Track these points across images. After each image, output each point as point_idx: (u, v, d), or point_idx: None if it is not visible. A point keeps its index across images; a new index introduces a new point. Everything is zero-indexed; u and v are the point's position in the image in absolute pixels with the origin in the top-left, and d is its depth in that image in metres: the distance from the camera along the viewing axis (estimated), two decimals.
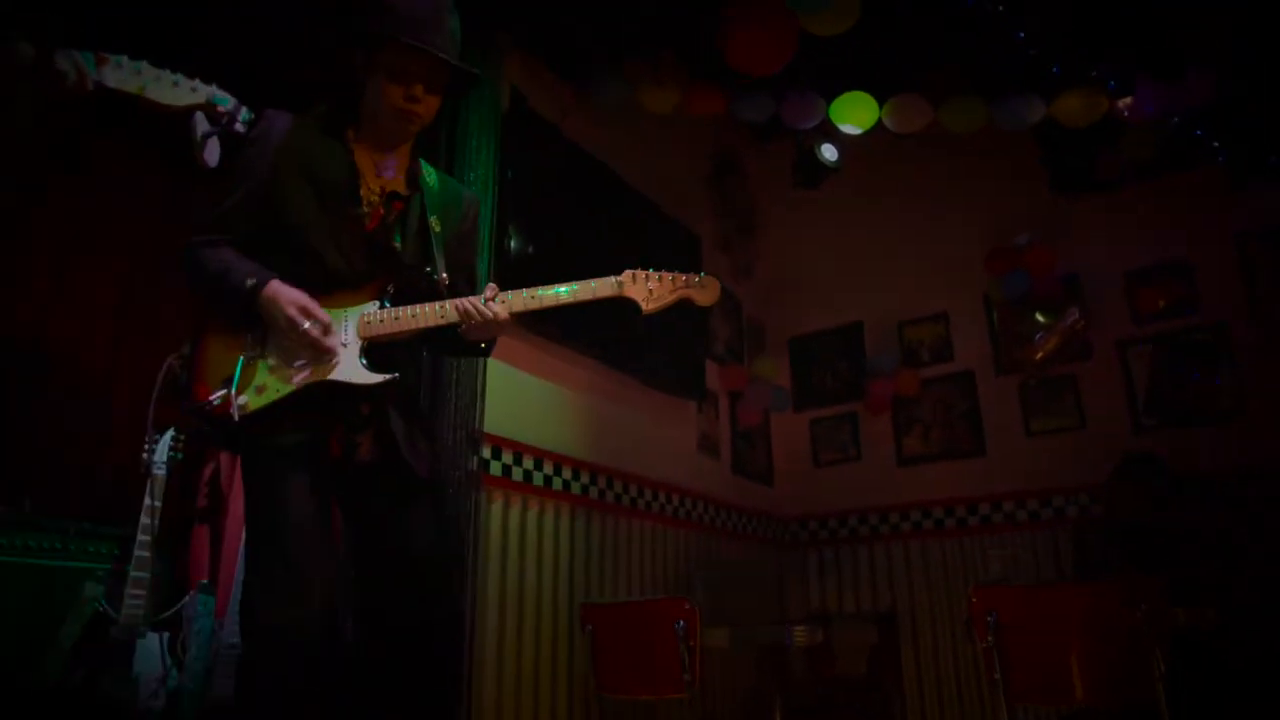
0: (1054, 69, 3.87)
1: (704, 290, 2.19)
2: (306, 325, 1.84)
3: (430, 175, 2.16)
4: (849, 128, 4.09)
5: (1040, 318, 4.83)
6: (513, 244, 3.57)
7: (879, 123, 4.10)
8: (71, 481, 3.57)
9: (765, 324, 5.76)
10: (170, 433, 3.15)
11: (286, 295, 1.86)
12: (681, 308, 2.17)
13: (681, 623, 3.05)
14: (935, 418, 5.21)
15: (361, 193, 2.02)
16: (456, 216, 2.18)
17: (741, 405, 5.18)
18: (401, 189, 2.08)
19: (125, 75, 1.34)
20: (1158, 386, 4.53)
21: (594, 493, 3.88)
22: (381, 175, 2.08)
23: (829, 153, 4.49)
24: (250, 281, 1.85)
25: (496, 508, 3.33)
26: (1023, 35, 3.81)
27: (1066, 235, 4.83)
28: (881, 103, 4.05)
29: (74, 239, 3.72)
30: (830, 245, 5.67)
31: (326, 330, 1.88)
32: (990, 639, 2.57)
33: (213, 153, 1.47)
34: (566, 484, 3.72)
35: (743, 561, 4.97)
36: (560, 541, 3.65)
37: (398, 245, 2.04)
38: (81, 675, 2.94)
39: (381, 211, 2.05)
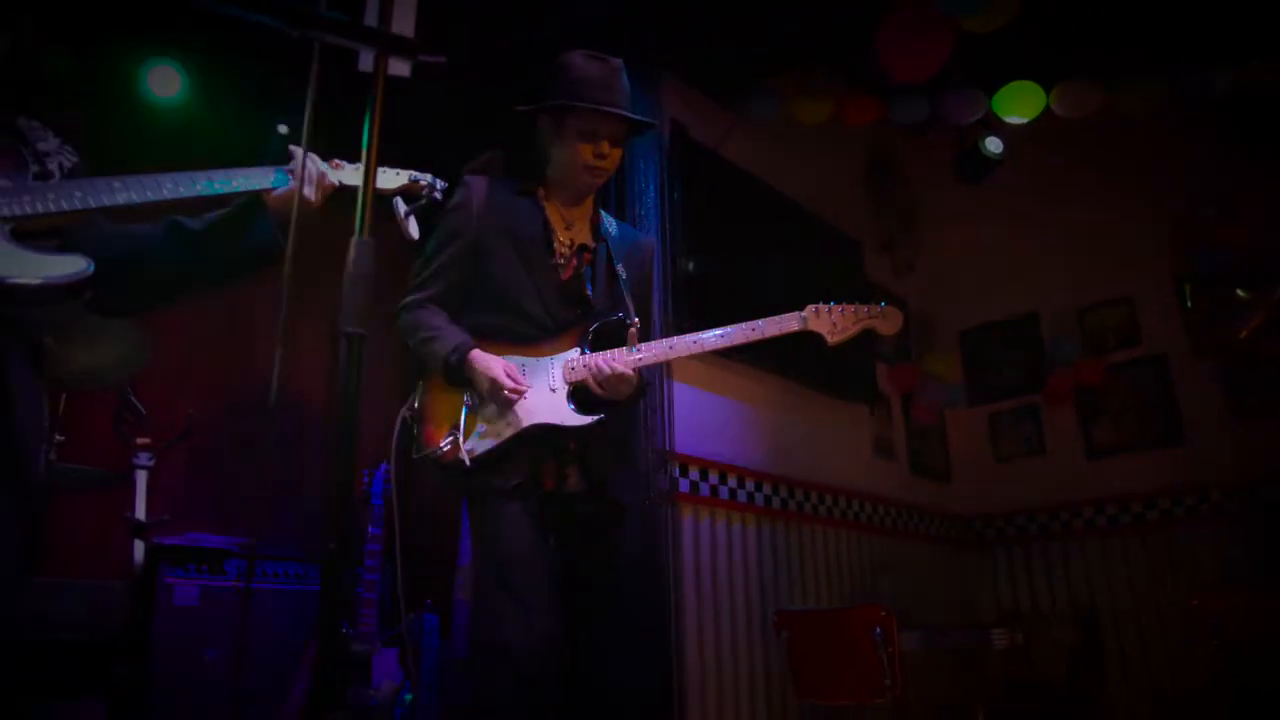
0: (1244, 32, 3.62)
1: (886, 320, 2.27)
2: (505, 393, 2.02)
3: (610, 224, 2.35)
4: (1014, 118, 3.99)
5: (1241, 293, 4.52)
6: (684, 269, 3.72)
7: (1045, 110, 3.98)
8: (302, 514, 4.00)
9: (933, 320, 5.66)
10: (385, 466, 3.50)
11: (483, 366, 2.04)
12: (864, 336, 2.25)
13: (879, 629, 3.10)
14: (1125, 406, 4.97)
15: (555, 246, 2.23)
16: (637, 261, 2.35)
17: (915, 404, 5.13)
18: (589, 240, 2.29)
19: (348, 174, 1.60)
20: None
21: (777, 502, 3.98)
22: (570, 228, 2.28)
23: (993, 145, 4.39)
24: (454, 358, 2.06)
25: (689, 522, 3.49)
26: None
27: (1261, 205, 4.50)
28: (1047, 89, 3.94)
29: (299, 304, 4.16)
30: (997, 235, 5.50)
31: (522, 393, 2.05)
32: (1216, 642, 2.49)
33: (414, 228, 1.70)
34: (751, 495, 3.84)
35: (926, 562, 4.93)
36: (749, 550, 3.78)
37: (590, 293, 2.23)
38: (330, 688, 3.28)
39: (574, 262, 2.25)
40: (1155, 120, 4.21)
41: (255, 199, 1.49)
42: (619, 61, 2.23)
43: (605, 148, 2.18)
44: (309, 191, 1.48)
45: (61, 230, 1.33)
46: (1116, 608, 4.67)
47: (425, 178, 1.67)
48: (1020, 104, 3.95)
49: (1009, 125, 4.18)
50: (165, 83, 3.40)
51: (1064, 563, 4.96)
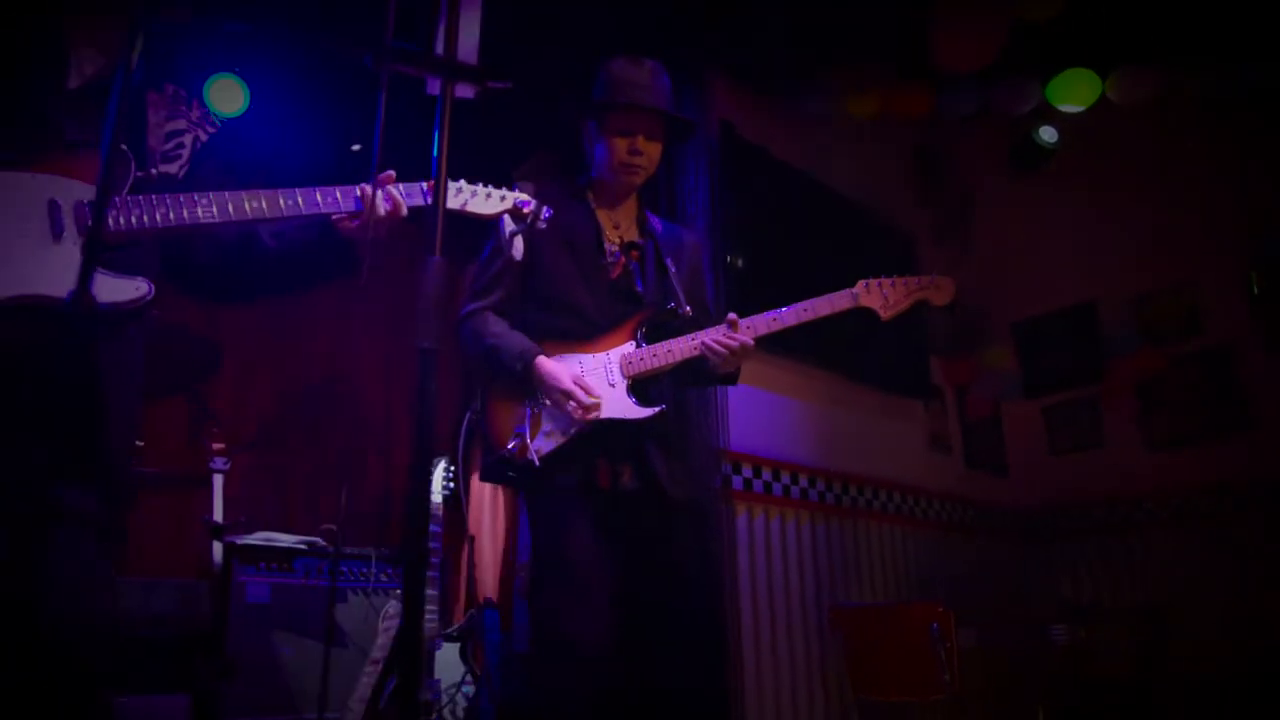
0: None
1: (939, 290, 2.27)
2: (570, 406, 2.06)
3: (656, 222, 2.42)
4: (1069, 107, 3.93)
5: None
6: (735, 265, 3.74)
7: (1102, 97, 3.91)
8: (365, 513, 4.12)
9: (987, 312, 5.58)
10: (442, 464, 3.59)
11: (550, 376, 2.09)
12: (916, 309, 2.25)
13: (936, 625, 3.09)
14: (1187, 396, 4.85)
15: (605, 245, 2.28)
16: (685, 255, 2.40)
17: (970, 397, 5.08)
18: (636, 238, 2.35)
19: (450, 196, 1.65)
20: None
21: (830, 498, 3.98)
22: (618, 228, 2.34)
23: (1048, 135, 4.32)
24: (519, 365, 2.11)
25: (743, 519, 3.52)
26: None
27: None
28: (1103, 76, 3.86)
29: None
30: (1052, 223, 5.40)
31: (592, 405, 2.08)
32: None
33: (518, 248, 1.73)
34: (804, 492, 3.85)
35: (983, 556, 4.88)
36: (804, 546, 3.78)
37: (640, 289, 2.27)
38: (394, 683, 3.37)
39: (623, 260, 2.30)
40: (1217, 104, 4.10)
41: (329, 227, 1.54)
42: (656, 63, 2.30)
43: (640, 143, 2.24)
44: (379, 228, 1.52)
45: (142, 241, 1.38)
46: (1181, 603, 4.57)
47: (531, 202, 1.71)
48: (1075, 92, 3.88)
49: (1064, 113, 4.11)
50: (229, 97, 3.50)
51: (1125, 557, 4.87)
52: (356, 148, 3.20)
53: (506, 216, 1.72)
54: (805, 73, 4.09)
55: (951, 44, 3.41)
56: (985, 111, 4.11)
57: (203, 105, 1.57)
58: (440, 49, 1.15)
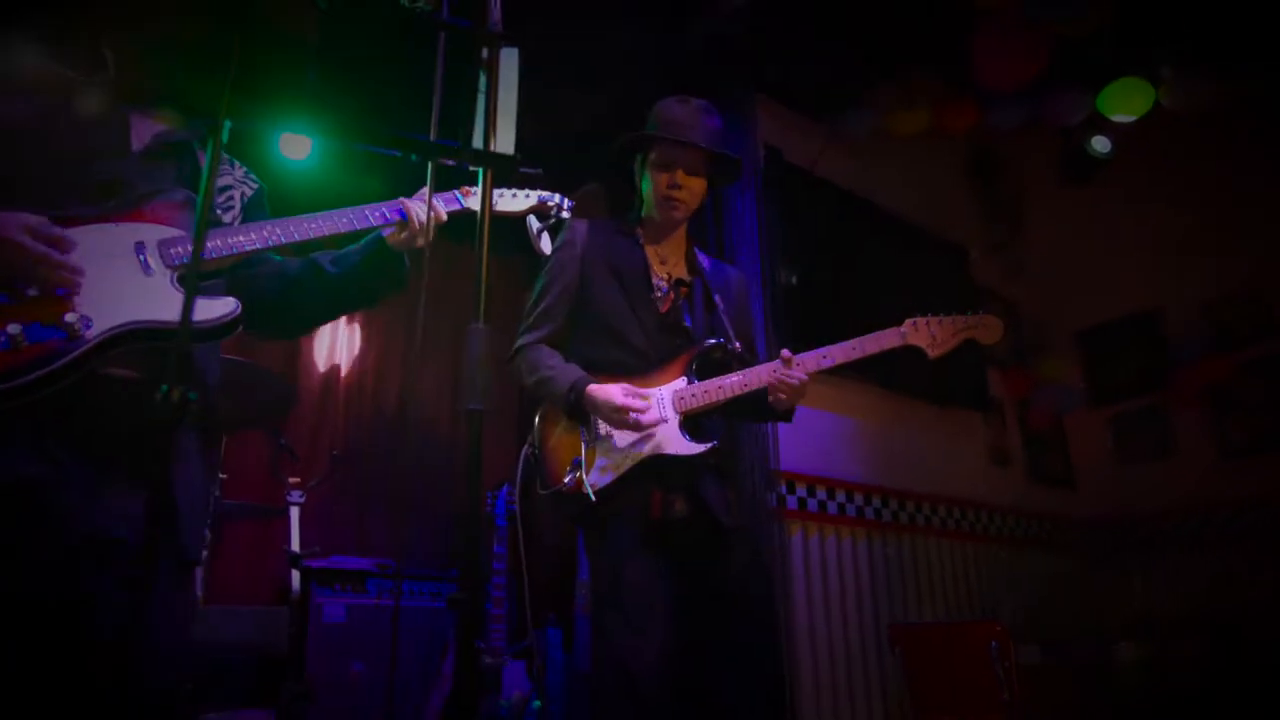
0: None
1: (987, 329, 2.29)
2: (630, 415, 2.13)
3: (704, 259, 2.48)
4: (1121, 117, 3.88)
5: None
6: (787, 287, 3.79)
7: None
8: (433, 534, 4.28)
9: (1046, 322, 5.51)
10: (506, 488, 3.71)
11: (603, 395, 2.15)
12: (966, 346, 2.27)
13: (995, 644, 3.08)
14: (1262, 402, 4.70)
15: (653, 280, 2.36)
16: (732, 291, 2.46)
17: (1031, 409, 5.01)
18: (684, 274, 2.42)
19: (477, 200, 1.76)
20: None
21: (887, 515, 3.99)
22: (665, 264, 2.41)
23: (1100, 145, 4.26)
24: (571, 395, 2.18)
25: (797, 539, 3.56)
26: None
27: None
28: (1155, 84, 3.81)
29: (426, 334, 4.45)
30: (1112, 230, 5.30)
31: (646, 409, 2.15)
32: None
33: (546, 244, 1.84)
34: (860, 509, 3.87)
35: (1049, 572, 4.80)
36: (860, 564, 3.80)
37: (689, 324, 2.35)
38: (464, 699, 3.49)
39: (672, 296, 2.37)
40: (1277, 105, 3.99)
41: (381, 244, 1.71)
42: (705, 103, 2.37)
43: (680, 176, 2.30)
44: (424, 240, 1.69)
45: (221, 273, 1.56)
46: (1256, 618, 4.43)
47: (554, 198, 1.82)
48: (1127, 101, 3.84)
49: (1117, 121, 4.06)
50: (297, 149, 3.71)
51: (1199, 570, 4.74)
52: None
53: (533, 215, 1.82)
54: (851, 94, 4.12)
55: (993, 64, 3.41)
56: (1035, 124, 4.08)
57: (243, 166, 1.77)
58: (480, 141, 1.25)
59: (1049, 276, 5.47)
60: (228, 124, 1.11)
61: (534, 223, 1.81)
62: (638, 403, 2.14)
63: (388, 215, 1.65)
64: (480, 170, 1.24)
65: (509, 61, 1.40)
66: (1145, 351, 5.15)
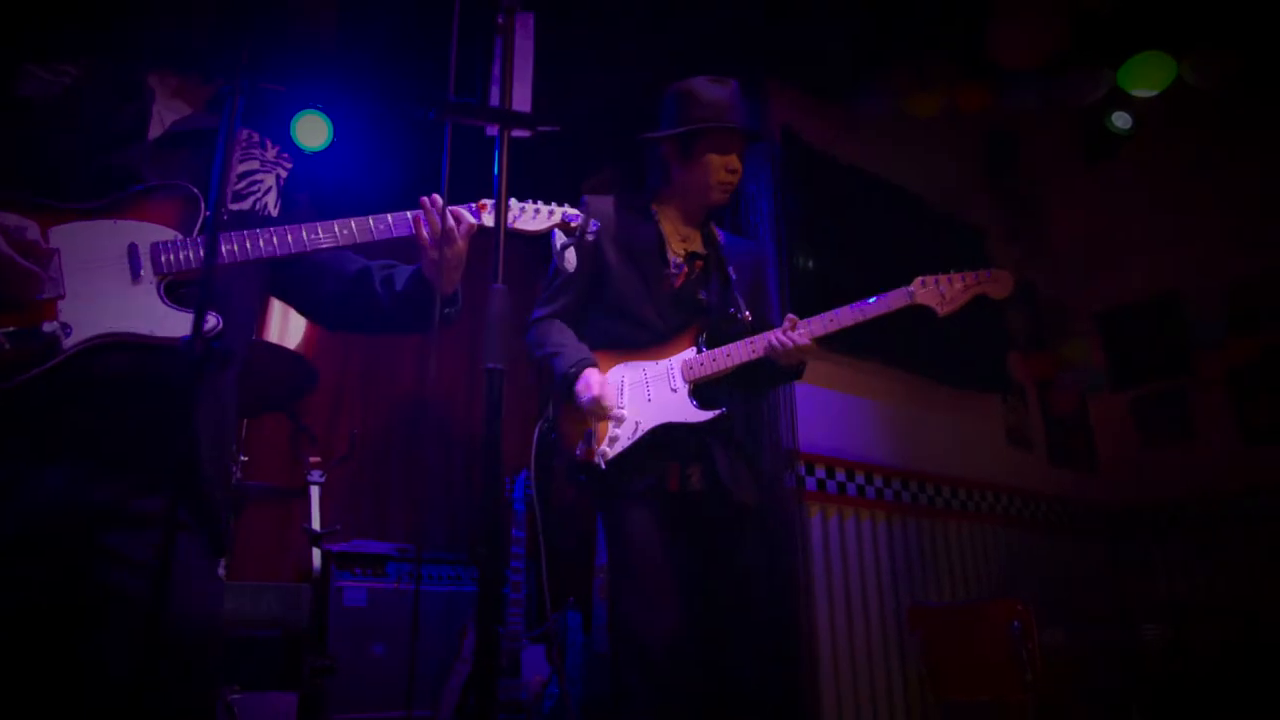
0: None
1: (997, 284, 2.28)
2: (603, 405, 2.15)
3: (720, 234, 2.51)
4: (1142, 91, 3.82)
5: None
6: (803, 269, 3.77)
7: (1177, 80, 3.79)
8: (451, 518, 4.30)
9: (1066, 304, 5.46)
10: (525, 473, 3.72)
11: (582, 385, 2.16)
12: (977, 304, 2.26)
13: (1017, 624, 3.06)
14: None
15: (669, 256, 2.37)
16: (748, 264, 2.47)
17: (1052, 392, 4.97)
18: (700, 248, 2.44)
19: (490, 216, 1.73)
20: None
21: (907, 497, 3.97)
22: (685, 240, 2.42)
23: (1121, 121, 4.21)
24: (563, 384, 2.21)
25: (816, 520, 3.55)
26: None
27: None
28: (1177, 58, 3.75)
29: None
30: (1130, 211, 5.24)
31: (615, 420, 2.19)
32: None
33: (570, 260, 1.80)
34: (880, 491, 3.86)
35: (1070, 554, 4.77)
36: (879, 546, 3.79)
37: (702, 298, 2.36)
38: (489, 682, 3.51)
39: (687, 270, 2.39)
40: None
41: (422, 280, 1.68)
42: (735, 82, 2.40)
43: (735, 162, 2.35)
44: (446, 250, 1.63)
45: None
46: (1276, 603, 4.38)
47: (578, 216, 1.78)
48: (1148, 76, 3.78)
49: (1137, 98, 4.00)
50: (314, 132, 3.72)
51: (1221, 553, 4.69)
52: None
53: (557, 230, 1.80)
54: (866, 74, 4.10)
55: (1010, 41, 3.38)
56: (1053, 102, 4.04)
57: (276, 144, 1.71)
58: (496, 99, 1.25)
59: (1068, 258, 5.42)
60: (247, 89, 1.11)
61: (559, 239, 1.79)
62: (609, 399, 2.16)
63: (394, 228, 1.59)
64: (496, 135, 1.24)
65: (525, 24, 1.40)
66: (1166, 334, 5.09)
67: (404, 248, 1.61)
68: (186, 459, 1.37)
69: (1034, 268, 5.28)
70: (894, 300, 2.25)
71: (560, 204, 1.78)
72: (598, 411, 2.16)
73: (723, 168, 2.34)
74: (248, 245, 1.46)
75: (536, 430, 2.41)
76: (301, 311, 1.79)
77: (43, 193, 1.35)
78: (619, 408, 2.21)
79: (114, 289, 1.35)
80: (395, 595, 3.57)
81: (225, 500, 1.51)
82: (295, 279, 1.70)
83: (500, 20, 1.38)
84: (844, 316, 2.24)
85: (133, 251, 1.38)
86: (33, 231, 1.30)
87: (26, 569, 1.27)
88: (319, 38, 1.55)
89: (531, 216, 1.75)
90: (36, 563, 1.27)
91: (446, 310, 1.70)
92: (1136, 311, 5.24)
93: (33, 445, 1.30)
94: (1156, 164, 4.95)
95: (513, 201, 1.70)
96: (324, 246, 1.51)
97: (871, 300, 2.24)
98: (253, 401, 2.84)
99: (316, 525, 2.85)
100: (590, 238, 1.88)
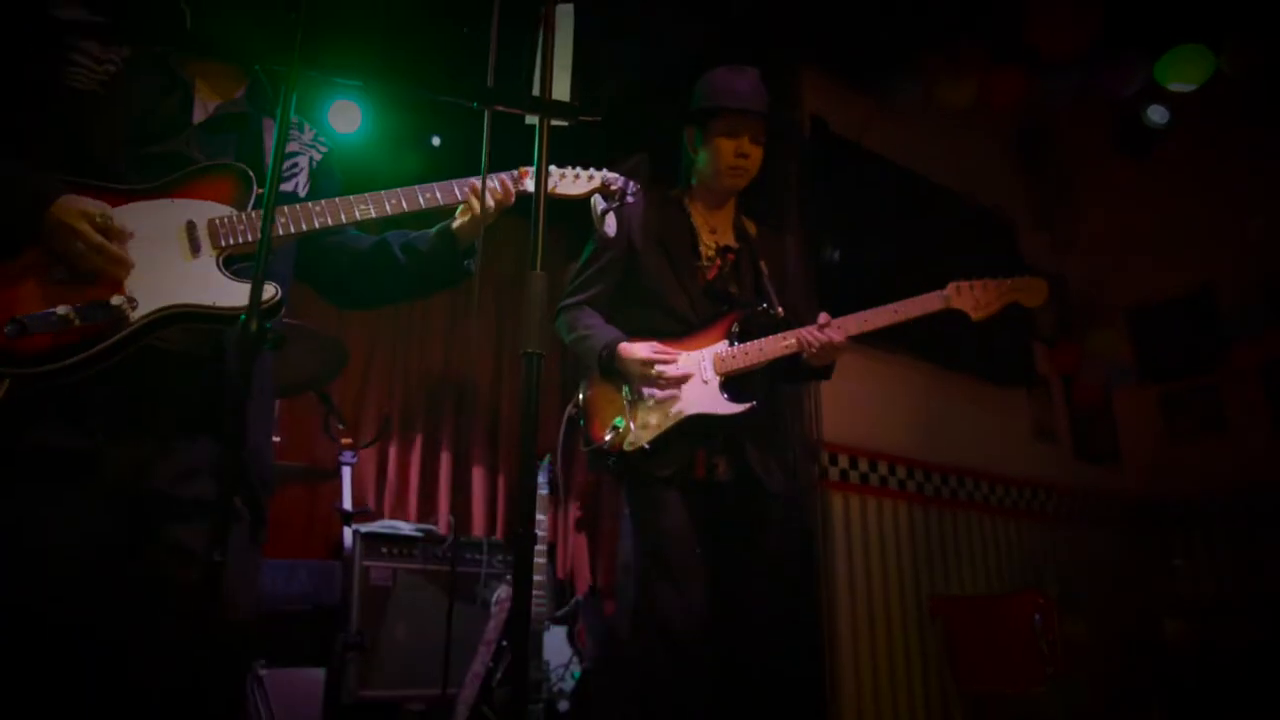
0: None
1: (1030, 292, 2.28)
2: (657, 368, 2.17)
3: (751, 227, 2.51)
4: (1180, 86, 3.77)
5: None
6: (830, 259, 3.77)
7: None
8: (484, 501, 4.35)
9: (1095, 297, 5.40)
10: (548, 457, 3.76)
11: (628, 354, 2.20)
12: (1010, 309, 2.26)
13: (1038, 616, 3.07)
14: None
15: (700, 249, 2.39)
16: (779, 259, 2.48)
17: (1078, 384, 4.93)
18: (731, 241, 2.45)
19: (531, 183, 1.73)
20: None
21: (930, 489, 3.98)
22: (715, 232, 2.44)
23: (1157, 115, 4.14)
24: (605, 353, 2.23)
25: (838, 509, 3.56)
26: None
27: None
28: (1216, 51, 3.69)
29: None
30: (1163, 204, 5.15)
31: (673, 361, 2.19)
32: None
33: (611, 225, 1.80)
34: (902, 482, 3.86)
35: (1095, 548, 4.75)
36: (901, 536, 3.80)
37: (734, 290, 2.37)
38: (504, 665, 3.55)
39: (719, 263, 2.40)
40: None
41: (450, 235, 1.71)
42: (755, 70, 2.40)
43: (746, 145, 2.35)
44: (487, 218, 1.67)
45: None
46: None
47: (618, 180, 1.78)
48: (1186, 70, 3.73)
49: (1174, 90, 3.95)
50: (347, 119, 3.75)
51: (1250, 549, 4.64)
52: (436, 141, 3.40)
53: (597, 195, 1.80)
54: (898, 64, 4.07)
55: (1046, 29, 3.34)
56: (1088, 94, 3.99)
57: (313, 129, 1.76)
58: (537, 87, 1.27)
59: (1100, 251, 5.36)
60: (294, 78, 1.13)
61: (599, 203, 1.79)
62: (665, 357, 2.19)
63: (441, 197, 1.64)
64: (536, 125, 1.26)
65: (565, 15, 1.42)
66: (1198, 327, 5.03)
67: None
68: (237, 444, 1.41)
69: (1064, 260, 5.23)
70: (928, 303, 2.26)
71: (600, 168, 1.78)
72: (652, 363, 2.16)
73: (732, 151, 2.34)
74: (301, 219, 1.50)
75: (565, 416, 2.44)
76: (320, 289, 1.81)
77: (99, 177, 1.40)
78: (675, 354, 2.21)
79: (175, 263, 1.40)
80: (422, 576, 3.62)
81: (269, 485, 1.55)
82: (314, 257, 1.73)
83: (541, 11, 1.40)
84: (877, 317, 2.25)
85: (191, 227, 1.43)
86: (109, 217, 1.34)
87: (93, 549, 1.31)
88: (358, 24, 1.58)
89: (572, 181, 1.76)
90: (101, 542, 1.32)
91: (465, 261, 1.75)
92: (1168, 304, 5.17)
93: (106, 421, 1.35)
94: (1189, 154, 4.87)
95: (553, 168, 1.70)
96: (373, 217, 1.56)
97: (906, 302, 2.25)
98: (284, 381, 2.87)
99: (348, 505, 2.89)
100: (631, 200, 1.88)
